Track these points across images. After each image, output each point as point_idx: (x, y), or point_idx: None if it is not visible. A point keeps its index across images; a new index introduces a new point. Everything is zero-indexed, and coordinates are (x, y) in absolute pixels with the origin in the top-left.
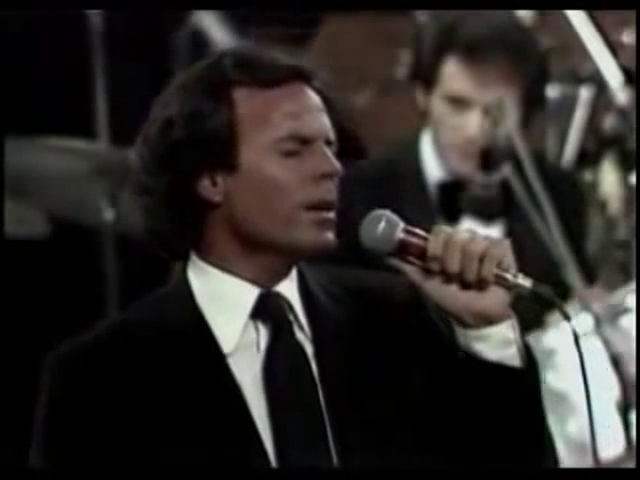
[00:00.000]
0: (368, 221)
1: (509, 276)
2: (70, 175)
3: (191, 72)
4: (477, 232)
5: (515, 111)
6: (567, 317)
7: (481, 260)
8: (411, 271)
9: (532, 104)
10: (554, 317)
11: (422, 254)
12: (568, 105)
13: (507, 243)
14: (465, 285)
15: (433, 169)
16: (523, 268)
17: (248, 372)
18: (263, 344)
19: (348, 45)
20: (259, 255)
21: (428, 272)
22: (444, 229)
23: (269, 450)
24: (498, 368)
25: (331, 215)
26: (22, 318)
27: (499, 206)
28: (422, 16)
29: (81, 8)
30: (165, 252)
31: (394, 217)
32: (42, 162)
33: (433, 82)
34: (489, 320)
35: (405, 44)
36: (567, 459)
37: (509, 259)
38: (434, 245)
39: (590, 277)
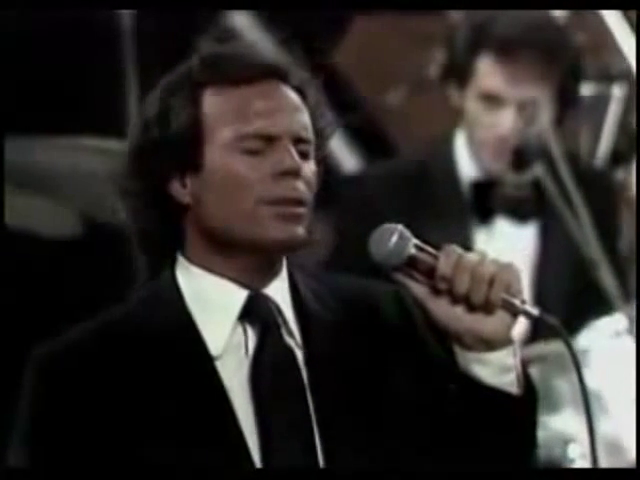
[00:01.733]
0: (380, 234)
1: (516, 302)
2: (101, 175)
3: (172, 73)
4: (487, 255)
5: (548, 110)
6: (570, 347)
7: (490, 283)
8: (416, 288)
9: (565, 102)
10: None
11: (430, 271)
12: (601, 104)
13: (517, 269)
14: (471, 307)
15: (466, 168)
16: (555, 267)
17: (236, 374)
18: (251, 347)
19: (380, 45)
20: (235, 254)
21: (434, 290)
22: (455, 249)
23: (255, 453)
24: (495, 393)
25: (298, 210)
26: (53, 317)
27: (532, 206)
28: (455, 15)
29: (113, 8)
30: (151, 254)
31: (406, 232)
32: (74, 161)
33: (466, 80)
34: (491, 344)
35: (438, 43)
36: (600, 459)
37: (518, 285)
38: (444, 264)
39: (623, 277)
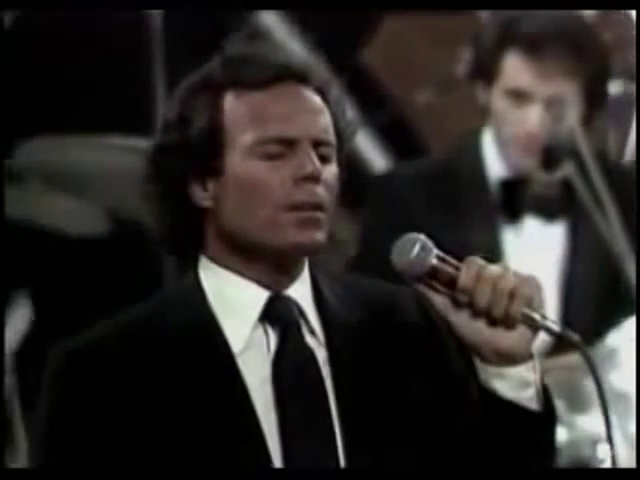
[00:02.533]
0: (402, 243)
1: (537, 316)
2: (130, 173)
3: (193, 75)
4: (510, 269)
5: (577, 107)
6: (591, 364)
7: (510, 297)
8: (437, 299)
9: (593, 100)
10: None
11: (451, 283)
12: (630, 102)
13: (539, 283)
14: (492, 321)
15: (494, 167)
16: (584, 266)
17: (258, 372)
18: (272, 347)
19: (408, 44)
20: (256, 257)
21: (455, 302)
22: (477, 261)
23: (275, 451)
24: (514, 408)
25: (317, 215)
26: (82, 316)
27: (561, 204)
28: (483, 14)
29: (142, 8)
30: (175, 254)
31: (429, 242)
32: (103, 160)
33: (493, 77)
34: (511, 359)
35: (465, 42)
36: (629, 458)
37: (539, 299)
38: (465, 277)
39: None
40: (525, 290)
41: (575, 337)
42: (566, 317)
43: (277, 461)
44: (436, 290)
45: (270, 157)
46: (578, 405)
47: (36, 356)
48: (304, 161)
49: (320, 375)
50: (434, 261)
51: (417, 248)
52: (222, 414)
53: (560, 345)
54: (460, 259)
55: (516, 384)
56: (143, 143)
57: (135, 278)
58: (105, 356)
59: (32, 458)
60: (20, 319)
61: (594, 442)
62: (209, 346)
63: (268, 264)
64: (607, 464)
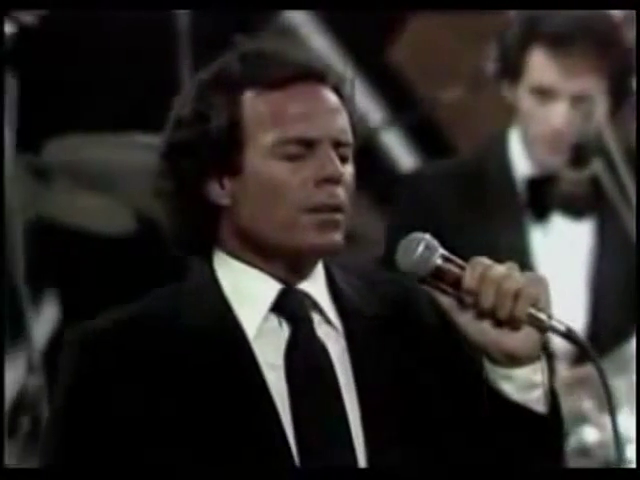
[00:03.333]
0: (407, 243)
1: (543, 317)
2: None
3: (206, 71)
4: (516, 268)
5: (604, 105)
6: (597, 365)
7: (515, 298)
8: (443, 299)
9: (619, 96)
10: None
11: (457, 283)
12: None
13: (546, 282)
14: (497, 322)
15: (521, 166)
16: (612, 264)
17: (271, 360)
18: (285, 339)
19: (436, 42)
20: (269, 255)
21: (461, 303)
22: (482, 261)
23: (289, 431)
24: (521, 410)
25: (336, 216)
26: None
27: (589, 202)
28: (512, 12)
29: (169, 8)
30: (185, 251)
31: (434, 242)
32: (129, 159)
33: (519, 75)
34: (517, 360)
35: (493, 40)
36: None
37: (546, 299)
38: (470, 278)
39: None
40: (531, 290)
41: (582, 339)
42: (595, 316)
43: (294, 453)
44: (442, 290)
45: (290, 158)
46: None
47: None
48: (325, 162)
49: (332, 368)
50: (439, 261)
51: (421, 248)
52: (239, 400)
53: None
54: (466, 260)
55: (522, 385)
56: None
57: (160, 277)
58: (119, 346)
59: (42, 450)
60: (48, 318)
61: (624, 443)
62: (225, 331)
63: (284, 262)
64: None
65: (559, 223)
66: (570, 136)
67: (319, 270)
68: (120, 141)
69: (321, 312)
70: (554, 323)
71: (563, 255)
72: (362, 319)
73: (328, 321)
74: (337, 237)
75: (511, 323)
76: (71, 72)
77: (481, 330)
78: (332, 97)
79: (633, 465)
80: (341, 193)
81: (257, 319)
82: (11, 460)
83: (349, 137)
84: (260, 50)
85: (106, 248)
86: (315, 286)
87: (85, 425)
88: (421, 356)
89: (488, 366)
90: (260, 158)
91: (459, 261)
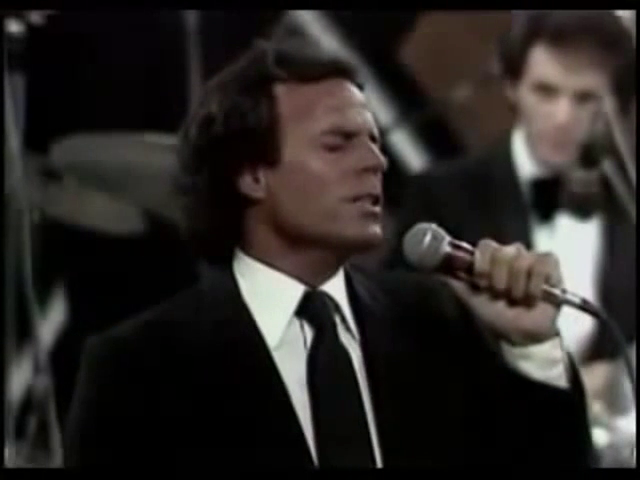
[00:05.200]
0: (412, 235)
1: (557, 292)
2: (166, 172)
3: (232, 69)
4: (523, 248)
5: (611, 103)
6: (616, 334)
7: (528, 276)
8: (457, 286)
9: (624, 92)
10: None
11: (468, 268)
12: None
13: (555, 258)
14: (512, 302)
15: (526, 166)
16: (620, 265)
17: (294, 367)
18: (309, 342)
19: (447, 41)
20: (304, 250)
21: (474, 287)
22: (490, 244)
23: (311, 448)
24: (543, 388)
25: (376, 209)
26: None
27: (598, 203)
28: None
29: (178, 8)
30: (206, 252)
31: (440, 230)
32: (139, 159)
33: (521, 73)
34: (536, 338)
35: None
36: None
37: (557, 274)
38: (481, 261)
39: None
40: (542, 267)
41: (598, 309)
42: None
43: (314, 457)
44: (454, 277)
45: (330, 149)
46: (617, 407)
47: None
48: (365, 153)
49: (354, 376)
50: (447, 249)
51: (428, 238)
52: (260, 412)
53: (598, 350)
54: (474, 245)
55: (543, 363)
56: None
57: (170, 278)
58: (139, 351)
59: (67, 452)
60: (55, 319)
61: (633, 444)
62: (245, 343)
63: (316, 258)
64: None
65: (565, 224)
66: (574, 133)
67: (340, 272)
68: (129, 141)
69: (342, 317)
70: (569, 296)
71: (569, 256)
72: (378, 326)
73: (348, 328)
74: (378, 229)
75: (526, 301)
76: (80, 72)
77: (497, 312)
78: (359, 93)
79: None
80: (379, 184)
81: (281, 325)
82: (19, 461)
83: (377, 132)
84: (289, 47)
85: (114, 249)
86: (337, 288)
87: (112, 434)
88: (445, 356)
89: (506, 348)
90: (299, 150)
91: (467, 246)
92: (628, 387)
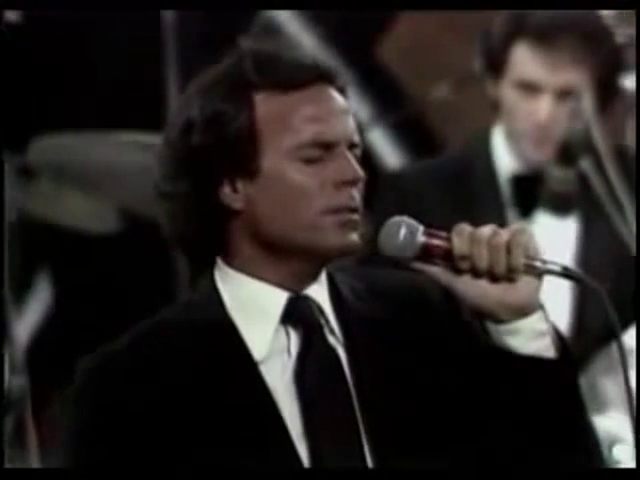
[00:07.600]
0: (387, 229)
1: (538, 263)
2: (143, 170)
3: (212, 72)
4: (495, 227)
5: (591, 101)
6: (598, 291)
7: (508, 250)
8: (438, 272)
9: (606, 91)
10: None
11: (446, 254)
12: None
13: (530, 230)
14: (495, 279)
15: (505, 162)
16: (601, 264)
17: (280, 378)
18: (294, 349)
19: (425, 40)
20: (285, 260)
21: (455, 271)
22: (465, 227)
23: (303, 455)
24: (533, 361)
25: (354, 217)
26: (93, 314)
27: (576, 201)
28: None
29: (155, 8)
30: (190, 257)
31: (412, 221)
32: (115, 158)
33: (502, 70)
34: (523, 311)
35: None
36: None
37: (534, 246)
38: (459, 244)
39: None
40: (520, 240)
41: (579, 273)
42: (580, 314)
43: (306, 465)
44: (434, 265)
45: (309, 161)
46: (595, 406)
47: (49, 357)
48: (344, 165)
49: (344, 376)
50: (423, 238)
51: (403, 230)
52: (249, 422)
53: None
54: (447, 231)
55: (531, 335)
56: (156, 140)
57: (148, 276)
58: (126, 368)
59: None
60: (31, 318)
61: (611, 443)
62: (231, 353)
63: (297, 267)
64: (624, 465)
65: (544, 220)
66: (555, 131)
67: (322, 276)
68: (105, 140)
69: (327, 320)
70: (549, 266)
71: (547, 252)
72: (363, 327)
73: (332, 330)
74: (356, 237)
75: (509, 276)
76: (56, 71)
77: (482, 292)
78: (340, 98)
79: (624, 466)
80: (357, 194)
81: (268, 334)
82: None
83: (358, 138)
84: (271, 53)
85: (91, 247)
86: (319, 292)
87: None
88: (433, 352)
89: (492, 327)
90: (278, 161)
91: (442, 233)
92: (605, 385)
